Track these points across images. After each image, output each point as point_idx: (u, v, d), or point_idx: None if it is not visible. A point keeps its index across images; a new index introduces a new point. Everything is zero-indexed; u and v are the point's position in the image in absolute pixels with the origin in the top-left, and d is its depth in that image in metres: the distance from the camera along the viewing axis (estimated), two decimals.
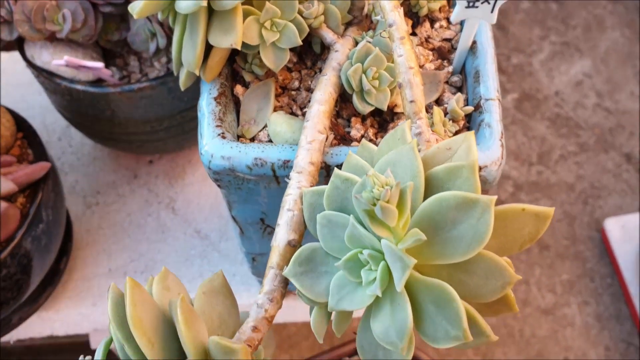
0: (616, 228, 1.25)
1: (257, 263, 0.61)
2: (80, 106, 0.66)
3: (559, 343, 1.21)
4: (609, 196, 1.35)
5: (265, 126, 0.48)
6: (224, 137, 0.45)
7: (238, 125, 0.48)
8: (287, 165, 0.44)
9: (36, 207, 0.59)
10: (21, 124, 0.65)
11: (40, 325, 0.69)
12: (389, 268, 0.36)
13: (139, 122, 0.66)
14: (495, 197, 0.34)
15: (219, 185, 0.48)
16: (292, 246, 0.39)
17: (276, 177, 0.45)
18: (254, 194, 0.48)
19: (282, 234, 0.40)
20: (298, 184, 0.40)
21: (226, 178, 0.46)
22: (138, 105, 0.64)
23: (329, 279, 0.38)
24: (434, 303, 0.35)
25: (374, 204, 0.33)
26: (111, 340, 0.38)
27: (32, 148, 0.64)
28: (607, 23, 1.54)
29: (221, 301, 0.41)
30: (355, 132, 0.47)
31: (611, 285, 1.25)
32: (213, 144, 0.45)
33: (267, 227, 0.53)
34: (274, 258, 0.39)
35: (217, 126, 0.45)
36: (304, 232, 0.40)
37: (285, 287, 0.39)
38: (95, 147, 0.81)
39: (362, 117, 0.48)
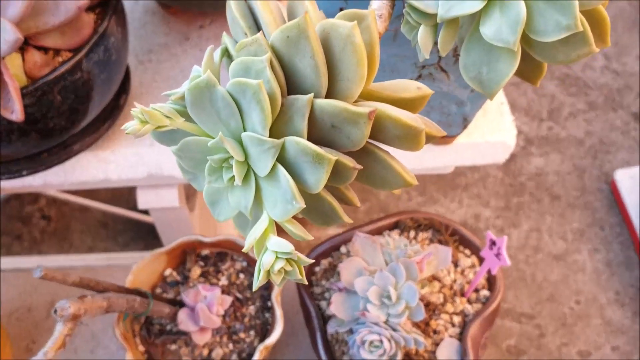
0: (626, 179, 1.27)
1: None
2: None
3: (570, 287, 1.23)
4: (617, 151, 1.38)
5: None
6: None
7: None
8: None
9: (109, 18, 0.59)
10: None
11: (95, 167, 0.69)
12: None
13: None
14: None
15: None
16: None
17: None
18: None
19: None
20: None
21: None
22: None
23: None
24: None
25: None
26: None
27: None
28: None
29: None
30: None
31: (620, 234, 1.26)
32: None
33: None
34: None
35: None
36: None
37: (393, 7, 0.41)
38: (146, 13, 0.82)
39: None
